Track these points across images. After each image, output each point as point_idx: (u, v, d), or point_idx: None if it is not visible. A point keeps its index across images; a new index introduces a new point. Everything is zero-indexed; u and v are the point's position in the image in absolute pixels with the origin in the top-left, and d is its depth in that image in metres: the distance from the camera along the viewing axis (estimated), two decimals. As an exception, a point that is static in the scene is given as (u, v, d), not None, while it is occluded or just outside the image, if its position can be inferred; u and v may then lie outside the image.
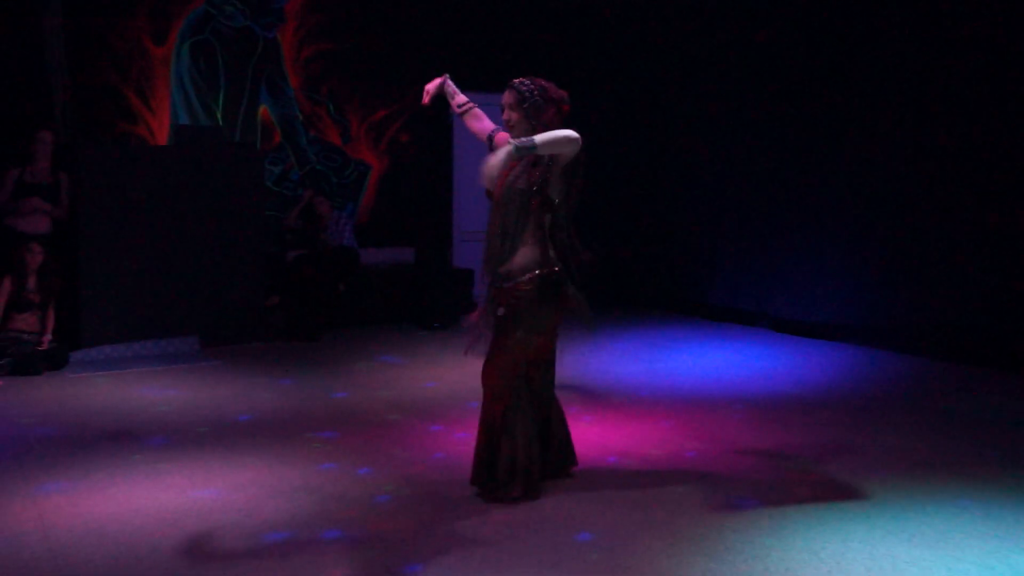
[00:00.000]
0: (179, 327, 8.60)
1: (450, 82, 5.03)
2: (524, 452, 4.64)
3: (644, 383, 7.35)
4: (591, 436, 5.87)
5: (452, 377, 7.54)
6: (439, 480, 4.97)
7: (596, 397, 6.91)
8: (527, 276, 4.56)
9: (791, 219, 9.45)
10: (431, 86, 5.01)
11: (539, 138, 4.34)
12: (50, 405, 6.68)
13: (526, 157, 4.49)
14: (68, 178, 8.33)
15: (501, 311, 4.61)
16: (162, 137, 9.77)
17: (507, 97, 4.68)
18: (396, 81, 10.91)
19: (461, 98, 5.01)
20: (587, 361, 8.12)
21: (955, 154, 7.98)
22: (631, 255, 11.36)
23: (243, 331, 8.92)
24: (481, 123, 4.96)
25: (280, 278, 9.60)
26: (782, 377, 7.55)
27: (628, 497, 4.75)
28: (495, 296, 4.65)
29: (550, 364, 4.91)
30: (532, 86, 4.63)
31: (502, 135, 4.83)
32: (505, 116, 4.72)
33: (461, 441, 5.73)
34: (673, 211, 10.91)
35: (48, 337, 7.82)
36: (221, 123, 10.09)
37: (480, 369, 4.75)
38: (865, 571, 3.85)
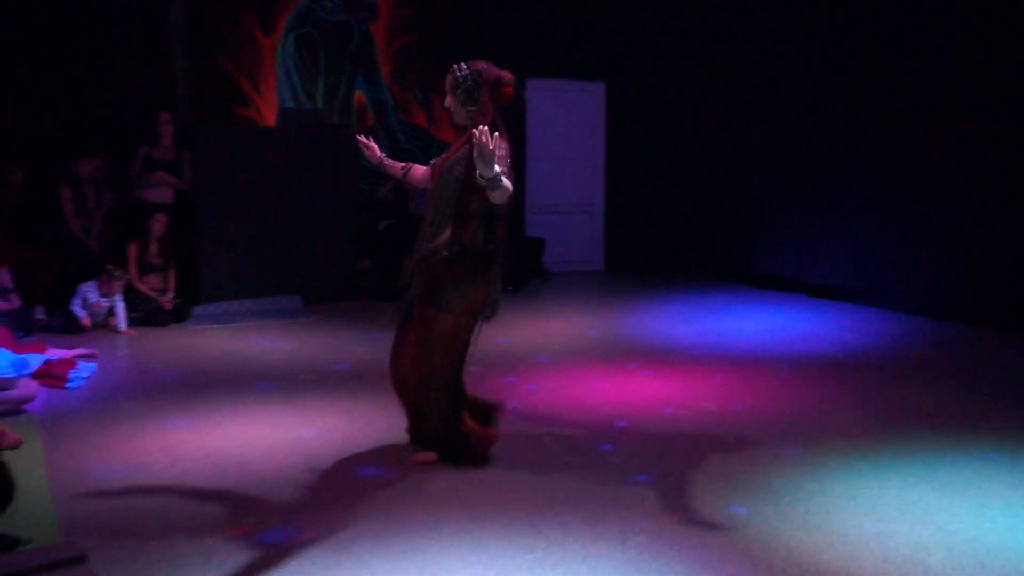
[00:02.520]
0: (284, 286, 8.70)
1: (386, 159, 4.65)
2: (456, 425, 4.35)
3: (696, 343, 7.28)
4: (650, 389, 5.85)
5: (522, 335, 7.55)
6: (511, 425, 4.99)
7: (654, 355, 6.86)
8: (440, 256, 4.15)
9: (828, 191, 9.26)
10: (371, 155, 4.65)
11: (506, 181, 3.89)
12: (175, 353, 6.83)
13: (466, 150, 4.13)
14: (189, 155, 8.47)
15: (422, 288, 4.21)
16: (270, 119, 9.89)
17: (446, 82, 4.28)
18: (476, 69, 10.87)
19: (397, 167, 4.64)
20: (645, 323, 8.07)
21: (986, 123, 7.69)
22: (685, 228, 11.24)
23: (339, 290, 9.00)
24: (411, 169, 4.61)
25: (371, 244, 9.68)
26: (820, 339, 7.43)
27: (682, 444, 4.72)
28: (419, 272, 4.25)
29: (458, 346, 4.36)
30: (467, 71, 4.21)
31: (416, 168, 4.58)
32: (445, 103, 4.35)
33: (531, 392, 5.75)
34: (719, 188, 10.76)
35: (171, 295, 7.99)
36: (321, 107, 10.17)
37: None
38: (899, 515, 3.78)
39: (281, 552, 3.42)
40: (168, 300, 7.90)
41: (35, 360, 5.82)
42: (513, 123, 10.97)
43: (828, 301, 9.07)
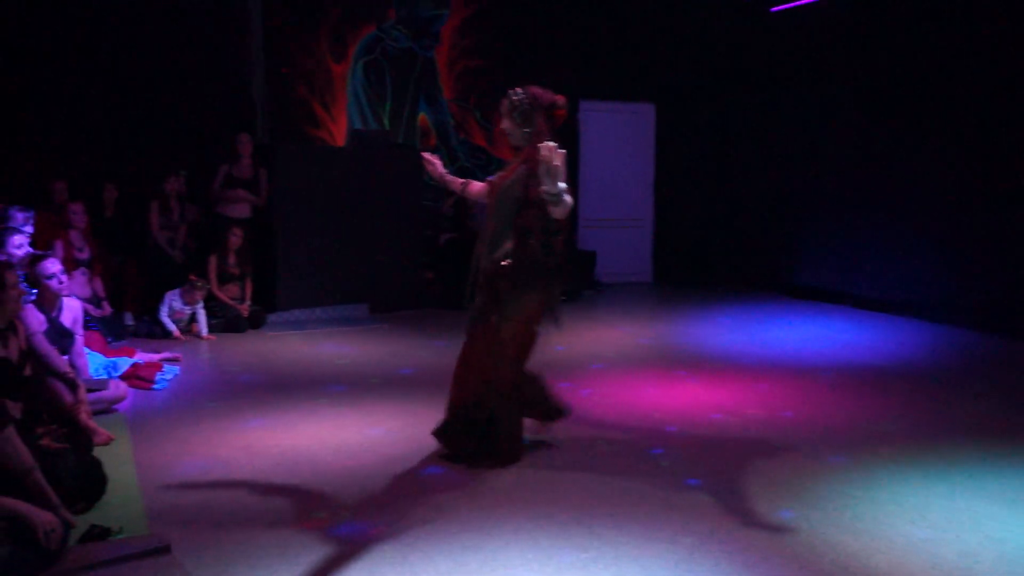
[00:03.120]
0: (353, 295, 8.78)
1: (447, 175, 4.63)
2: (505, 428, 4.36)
3: (743, 352, 7.17)
4: (697, 395, 5.77)
5: (577, 342, 7.51)
6: (566, 429, 4.96)
7: (701, 362, 6.78)
8: (505, 266, 4.17)
9: (872, 205, 9.06)
10: (433, 171, 4.61)
11: (567, 196, 3.90)
12: (252, 357, 6.92)
13: (524, 169, 4.16)
14: (266, 173, 8.60)
15: (485, 298, 4.25)
16: (340, 139, 10.01)
17: (502, 106, 4.33)
18: (532, 91, 10.89)
19: (457, 183, 4.65)
20: (693, 332, 7.97)
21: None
22: (729, 238, 11.10)
23: (404, 300, 9.05)
24: (469, 185, 4.61)
25: (434, 256, 9.72)
26: (865, 350, 7.25)
27: (730, 449, 4.65)
28: (484, 283, 4.28)
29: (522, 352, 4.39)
30: (523, 95, 4.25)
31: (473, 184, 4.59)
32: (501, 125, 4.37)
33: (586, 397, 5.70)
34: (763, 202, 10.61)
35: (248, 303, 8.10)
36: (388, 128, 10.26)
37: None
38: (946, 522, 3.67)
39: (351, 546, 3.44)
40: (246, 308, 8.01)
41: (124, 363, 5.95)
42: (567, 142, 11.02)
43: (872, 313, 8.86)
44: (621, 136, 11.32)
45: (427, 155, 4.66)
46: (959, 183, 8.11)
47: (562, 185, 3.86)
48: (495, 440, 4.35)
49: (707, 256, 11.41)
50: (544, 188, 3.85)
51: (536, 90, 4.29)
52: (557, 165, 3.77)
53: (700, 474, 4.25)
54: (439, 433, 4.49)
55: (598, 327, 8.37)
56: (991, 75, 7.78)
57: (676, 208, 11.54)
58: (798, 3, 9.90)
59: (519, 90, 4.29)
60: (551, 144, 3.76)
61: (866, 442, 4.75)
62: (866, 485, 4.08)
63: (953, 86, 8.15)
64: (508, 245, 4.18)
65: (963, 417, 5.25)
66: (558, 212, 3.96)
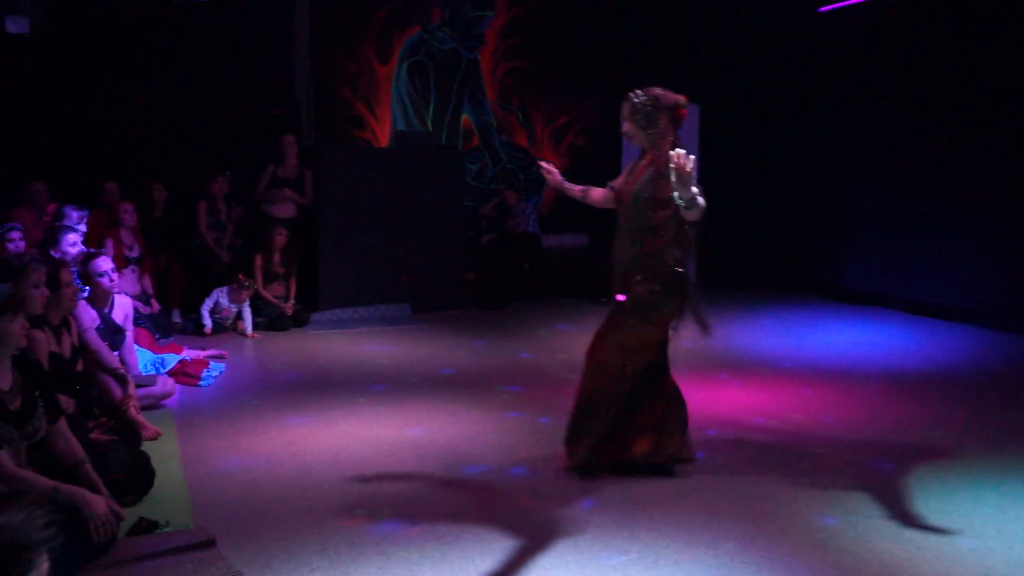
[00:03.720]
0: (395, 295, 8.80)
1: (565, 183, 4.62)
2: (608, 427, 4.25)
3: (787, 355, 7.08)
4: (740, 399, 5.72)
5: (618, 344, 7.47)
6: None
7: (744, 366, 6.71)
8: (647, 271, 4.12)
9: (923, 209, 8.87)
10: (552, 180, 4.60)
11: (700, 199, 3.90)
12: (295, 355, 6.97)
13: (651, 171, 4.14)
14: (311, 173, 8.69)
15: (622, 298, 4.19)
16: (384, 140, 10.07)
17: (623, 110, 4.30)
18: (575, 94, 10.87)
19: (576, 189, 4.63)
20: (736, 335, 7.89)
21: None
22: (774, 240, 10.96)
23: (445, 300, 9.04)
24: (589, 192, 4.61)
25: (476, 257, 9.74)
26: (913, 355, 7.11)
27: (773, 454, 4.60)
28: (621, 286, 4.22)
29: (656, 354, 4.33)
30: (644, 97, 4.20)
31: (594, 190, 4.57)
32: (623, 128, 4.34)
33: (626, 399, 5.67)
34: (810, 204, 10.45)
35: (292, 302, 8.16)
36: (431, 129, 10.31)
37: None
38: (996, 532, 3.59)
39: (390, 543, 3.47)
40: (290, 307, 8.09)
41: (172, 360, 6.04)
42: (611, 144, 10.98)
43: (921, 317, 8.68)
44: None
45: (544, 164, 4.65)
46: (1010, 186, 7.91)
47: (695, 189, 3.86)
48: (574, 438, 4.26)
49: (751, 258, 11.27)
50: (677, 194, 3.86)
51: (657, 91, 4.24)
52: (689, 171, 3.76)
53: (742, 479, 4.21)
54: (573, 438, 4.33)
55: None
56: None
57: (720, 209, 11.37)
58: (846, 3, 9.76)
59: (640, 92, 4.24)
60: (680, 151, 3.77)
61: (913, 449, 4.66)
62: (913, 493, 4.01)
63: (1005, 85, 7.96)
64: (643, 246, 4.13)
65: (1013, 426, 5.13)
66: (693, 215, 3.96)
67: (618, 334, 4.22)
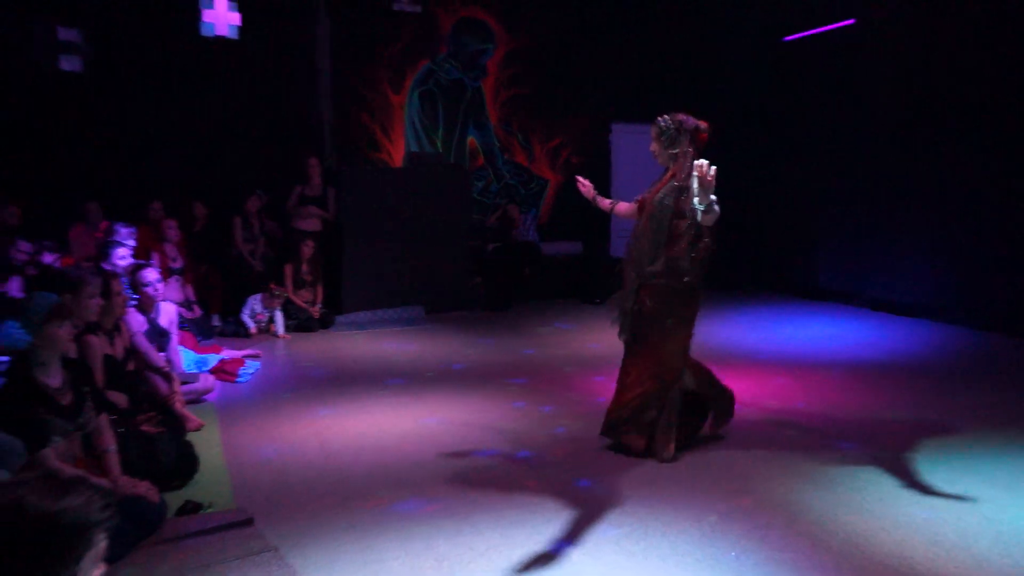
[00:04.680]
0: (410, 299, 8.80)
1: (597, 196, 4.72)
2: (674, 419, 4.30)
3: (761, 349, 7.08)
4: (719, 388, 5.70)
5: (611, 340, 7.38)
6: (601, 417, 4.94)
7: (722, 358, 6.67)
8: (671, 276, 4.18)
9: (884, 215, 8.84)
10: (586, 192, 4.70)
11: (716, 207, 3.96)
12: (323, 354, 6.99)
13: (673, 184, 4.20)
14: (334, 191, 8.71)
15: (648, 303, 4.22)
16: (399, 161, 10.09)
17: (651, 132, 4.36)
18: (569, 117, 10.89)
19: (606, 202, 4.70)
20: (714, 331, 7.89)
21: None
22: (751, 244, 10.95)
23: (455, 302, 9.04)
24: (617, 205, 4.68)
25: (482, 264, 9.74)
26: (876, 347, 7.09)
27: (751, 438, 4.60)
28: (639, 291, 4.27)
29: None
30: (669, 120, 4.27)
31: (621, 204, 4.64)
32: (650, 148, 4.40)
33: (618, 389, 5.68)
34: (786, 210, 10.44)
35: (319, 306, 8.19)
36: (441, 150, 10.33)
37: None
38: (947, 504, 3.60)
39: (410, 520, 3.48)
40: (317, 310, 8.11)
41: (212, 359, 6.06)
42: (601, 162, 11.00)
43: (887, 314, 8.65)
44: (649, 155, 11.16)
45: (580, 179, 4.70)
46: (973, 187, 7.85)
47: (712, 197, 3.92)
48: (655, 433, 4.25)
49: (733, 261, 11.26)
50: (697, 200, 3.92)
51: (681, 116, 4.30)
52: (711, 181, 3.83)
53: (721, 460, 4.21)
54: (611, 431, 4.35)
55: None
56: (1007, 80, 7.49)
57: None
58: (808, 33, 9.77)
59: (666, 117, 4.31)
60: (704, 162, 3.82)
61: (875, 431, 4.67)
62: (873, 470, 4.02)
63: (953, 105, 7.96)
64: (668, 252, 4.18)
65: (967, 409, 5.12)
66: (708, 220, 4.01)
67: (671, 340, 4.23)
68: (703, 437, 4.54)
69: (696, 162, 3.86)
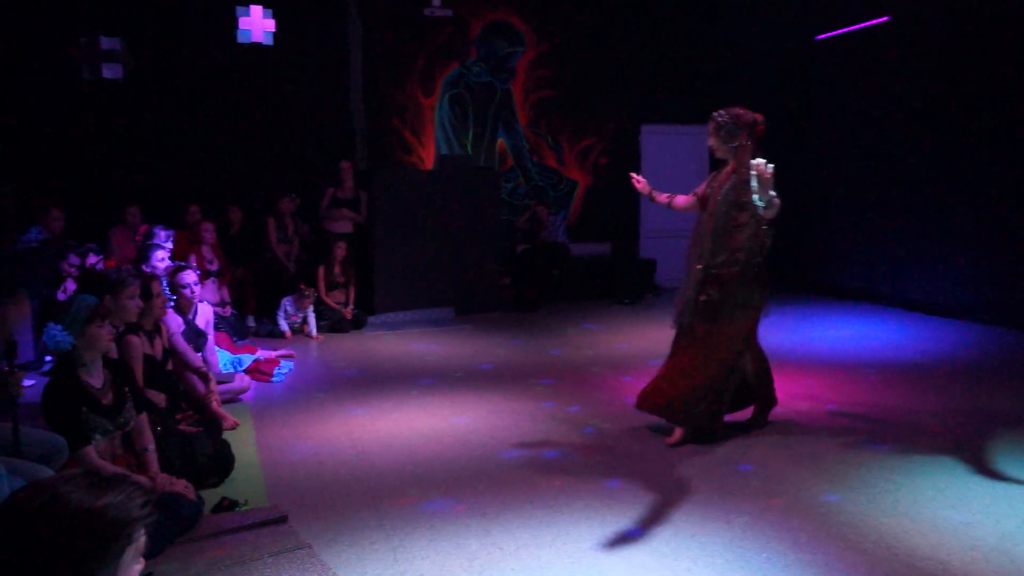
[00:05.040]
0: (440, 300, 8.83)
1: (653, 191, 4.85)
2: (727, 406, 4.51)
3: (791, 349, 6.97)
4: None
5: (639, 340, 7.45)
6: (630, 418, 4.93)
7: (753, 359, 6.62)
8: (736, 266, 4.28)
9: (916, 214, 8.66)
10: (641, 188, 4.85)
11: (776, 201, 4.04)
12: (354, 354, 7.03)
13: (735, 179, 4.31)
14: (366, 194, 8.77)
15: (714, 294, 4.31)
16: (429, 163, 10.14)
17: (708, 127, 4.45)
18: (597, 118, 10.86)
19: (662, 197, 4.81)
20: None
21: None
22: (778, 245, 10.80)
23: (485, 303, 9.05)
24: (674, 199, 4.77)
25: (511, 265, 9.75)
26: (909, 348, 6.96)
27: (780, 438, 4.54)
28: (704, 281, 4.34)
29: (751, 334, 4.52)
30: (726, 116, 4.36)
31: (679, 198, 4.73)
32: (709, 143, 4.49)
33: (647, 389, 5.64)
34: (814, 208, 10.29)
35: (351, 307, 8.23)
36: (471, 152, 10.36)
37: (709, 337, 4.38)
38: (985, 507, 3.52)
39: (440, 519, 3.49)
40: (349, 311, 8.15)
41: (248, 359, 6.12)
42: (631, 162, 10.95)
43: (913, 313, 8.51)
44: (678, 155, 11.16)
45: (635, 176, 4.88)
46: (993, 193, 7.73)
47: (772, 192, 4.00)
48: (708, 417, 4.40)
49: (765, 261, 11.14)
50: (757, 195, 4.00)
51: (738, 111, 4.39)
52: (769, 176, 3.92)
53: (751, 460, 4.17)
54: (678, 416, 4.42)
55: (658, 327, 8.22)
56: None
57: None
58: (840, 31, 9.63)
59: (723, 112, 4.40)
60: (761, 160, 3.91)
61: (908, 432, 4.59)
62: (908, 472, 3.95)
63: (984, 101, 7.79)
64: (729, 244, 4.29)
65: (1003, 410, 5.01)
66: (770, 213, 4.09)
67: (728, 327, 4.35)
68: (732, 435, 4.50)
69: (753, 161, 3.93)
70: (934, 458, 4.14)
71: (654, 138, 11.09)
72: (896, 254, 8.99)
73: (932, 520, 3.40)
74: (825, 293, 9.94)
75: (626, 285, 9.85)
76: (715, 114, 4.40)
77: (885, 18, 9.00)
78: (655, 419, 4.92)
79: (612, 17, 10.74)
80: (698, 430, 4.43)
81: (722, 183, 4.39)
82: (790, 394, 5.44)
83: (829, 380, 5.85)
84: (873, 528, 3.33)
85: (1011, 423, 4.73)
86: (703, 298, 4.35)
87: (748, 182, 4.11)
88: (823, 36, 9.90)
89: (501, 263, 9.45)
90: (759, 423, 4.71)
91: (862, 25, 9.29)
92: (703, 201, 4.51)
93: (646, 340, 7.48)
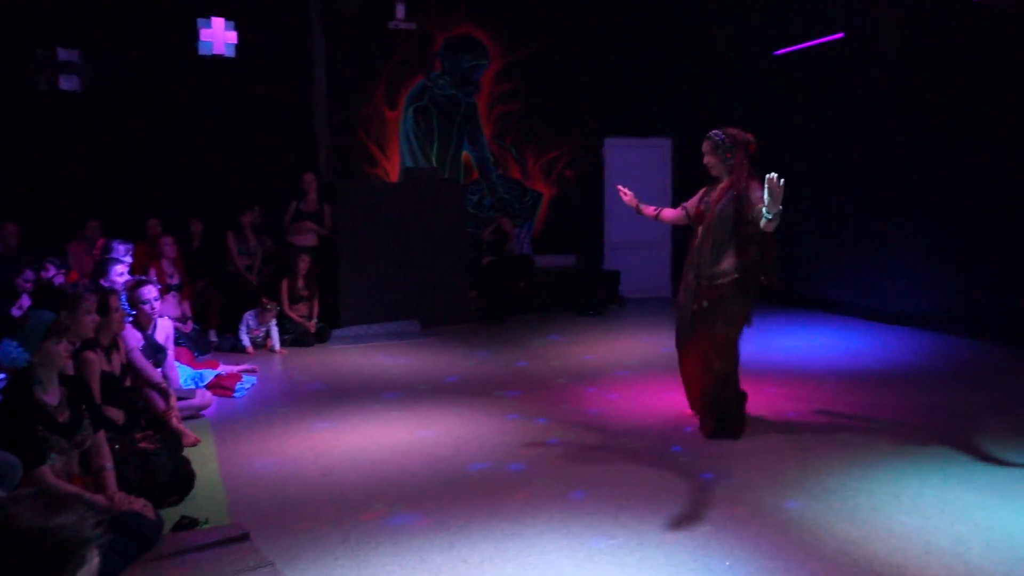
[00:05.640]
0: (405, 312, 8.79)
1: (640, 204, 5.05)
2: (735, 407, 4.73)
3: (752, 359, 6.98)
4: (712, 399, 5.69)
5: (604, 352, 7.49)
6: (595, 429, 4.96)
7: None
8: (729, 278, 4.52)
9: (878, 224, 8.81)
10: (628, 200, 5.03)
11: (777, 212, 4.20)
12: (318, 368, 6.97)
13: (732, 194, 4.49)
14: (330, 206, 8.71)
15: (705, 304, 4.55)
16: (394, 176, 10.12)
17: (704, 146, 4.63)
18: (562, 132, 10.93)
19: (649, 209, 5.01)
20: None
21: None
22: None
23: (450, 316, 9.03)
24: (662, 212, 4.99)
25: (477, 277, 9.74)
26: (867, 356, 7.09)
27: (741, 447, 4.60)
28: (699, 292, 4.59)
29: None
30: (723, 135, 4.58)
31: (666, 211, 4.97)
32: (705, 161, 4.66)
33: (612, 400, 5.68)
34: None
35: (315, 321, 8.16)
36: (436, 165, 10.35)
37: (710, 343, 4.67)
38: (939, 512, 3.60)
39: (405, 534, 3.47)
40: (313, 325, 8.08)
41: (209, 374, 6.04)
42: (594, 176, 11.04)
43: (872, 323, 8.66)
44: (641, 167, 11.29)
45: (622, 188, 5.02)
46: (966, 197, 7.84)
47: (780, 206, 4.15)
48: (733, 418, 4.69)
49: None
50: (765, 208, 4.15)
51: (732, 130, 4.62)
52: (780, 190, 4.07)
53: (715, 469, 4.21)
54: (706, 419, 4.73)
55: (623, 338, 8.34)
56: (997, 90, 7.49)
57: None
58: (798, 47, 9.84)
59: (719, 132, 4.61)
60: (774, 175, 4.05)
61: (866, 439, 4.67)
62: (866, 478, 4.02)
63: (947, 102, 7.97)
64: (730, 257, 4.47)
65: (958, 416, 5.12)
66: (770, 226, 4.25)
67: (723, 336, 4.58)
68: (695, 449, 4.54)
69: (768, 176, 4.08)
70: (890, 464, 4.22)
71: (618, 151, 11.20)
72: (854, 264, 9.16)
73: (889, 525, 3.46)
74: (784, 303, 10.09)
75: (591, 297, 9.90)
76: (712, 133, 4.59)
77: (840, 34, 9.21)
78: (618, 428, 4.96)
79: (576, 31, 10.84)
80: (729, 418, 4.66)
81: (717, 199, 4.55)
82: (751, 403, 5.48)
83: (789, 389, 5.93)
84: (833, 534, 3.38)
85: (967, 429, 4.84)
86: (697, 308, 4.57)
87: (746, 197, 4.30)
88: (780, 52, 10.10)
89: (466, 275, 9.44)
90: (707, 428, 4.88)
91: (818, 41, 9.50)
92: (696, 216, 4.67)
93: (611, 351, 7.53)
